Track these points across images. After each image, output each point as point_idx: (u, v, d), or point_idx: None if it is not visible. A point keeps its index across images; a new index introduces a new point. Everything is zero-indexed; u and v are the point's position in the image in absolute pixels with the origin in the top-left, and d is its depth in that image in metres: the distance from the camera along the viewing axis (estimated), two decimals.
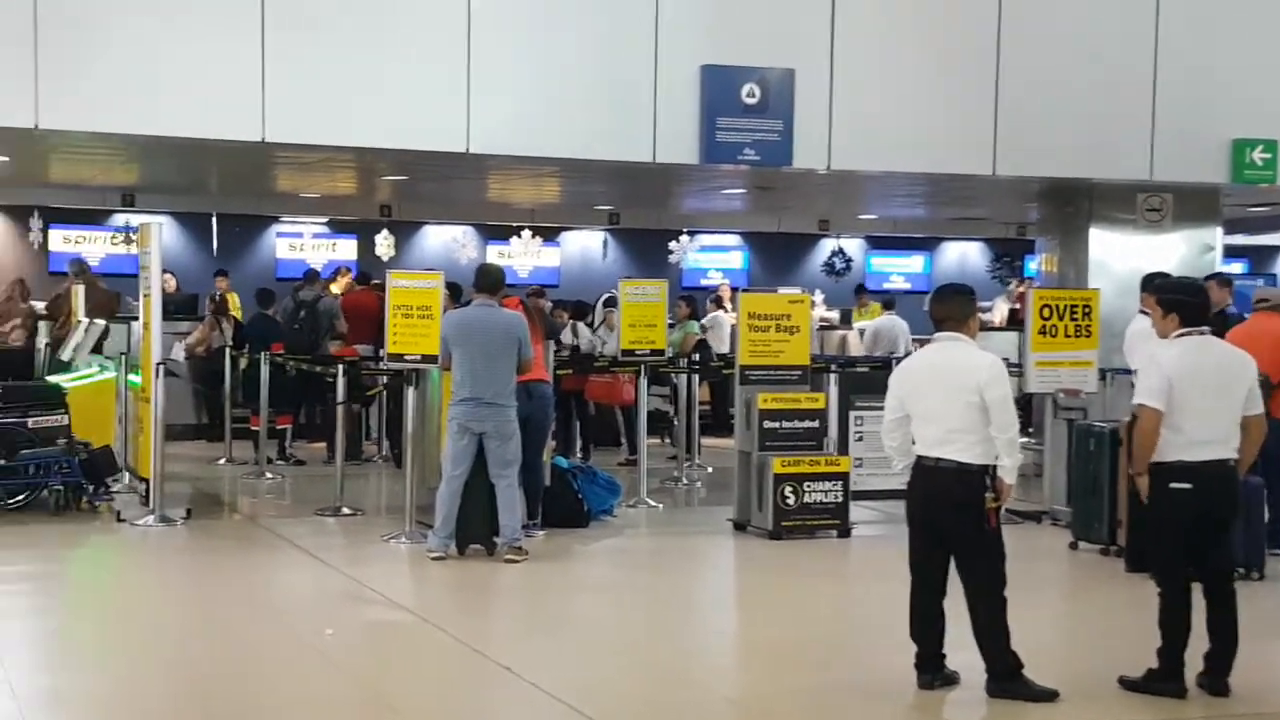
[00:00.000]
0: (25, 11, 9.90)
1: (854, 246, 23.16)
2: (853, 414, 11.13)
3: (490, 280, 9.53)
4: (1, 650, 6.84)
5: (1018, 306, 16.63)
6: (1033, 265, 17.67)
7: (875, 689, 6.50)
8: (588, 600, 8.75)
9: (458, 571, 9.03)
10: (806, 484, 10.05)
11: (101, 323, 12.89)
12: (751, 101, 11.16)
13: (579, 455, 13.31)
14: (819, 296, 18.53)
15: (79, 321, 13.28)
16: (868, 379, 11.77)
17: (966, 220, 20.17)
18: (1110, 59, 12.12)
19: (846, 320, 18.31)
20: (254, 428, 13.28)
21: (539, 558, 9.26)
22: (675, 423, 13.76)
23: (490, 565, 9.11)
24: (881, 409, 6.57)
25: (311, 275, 15.61)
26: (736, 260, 22.91)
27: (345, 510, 10.88)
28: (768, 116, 11.21)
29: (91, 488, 10.77)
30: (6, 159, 14.23)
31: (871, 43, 11.69)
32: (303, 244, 21.42)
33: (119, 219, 20.10)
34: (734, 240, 22.93)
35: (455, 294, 12.18)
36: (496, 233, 21.99)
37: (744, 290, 12.26)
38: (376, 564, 9.22)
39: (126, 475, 11.42)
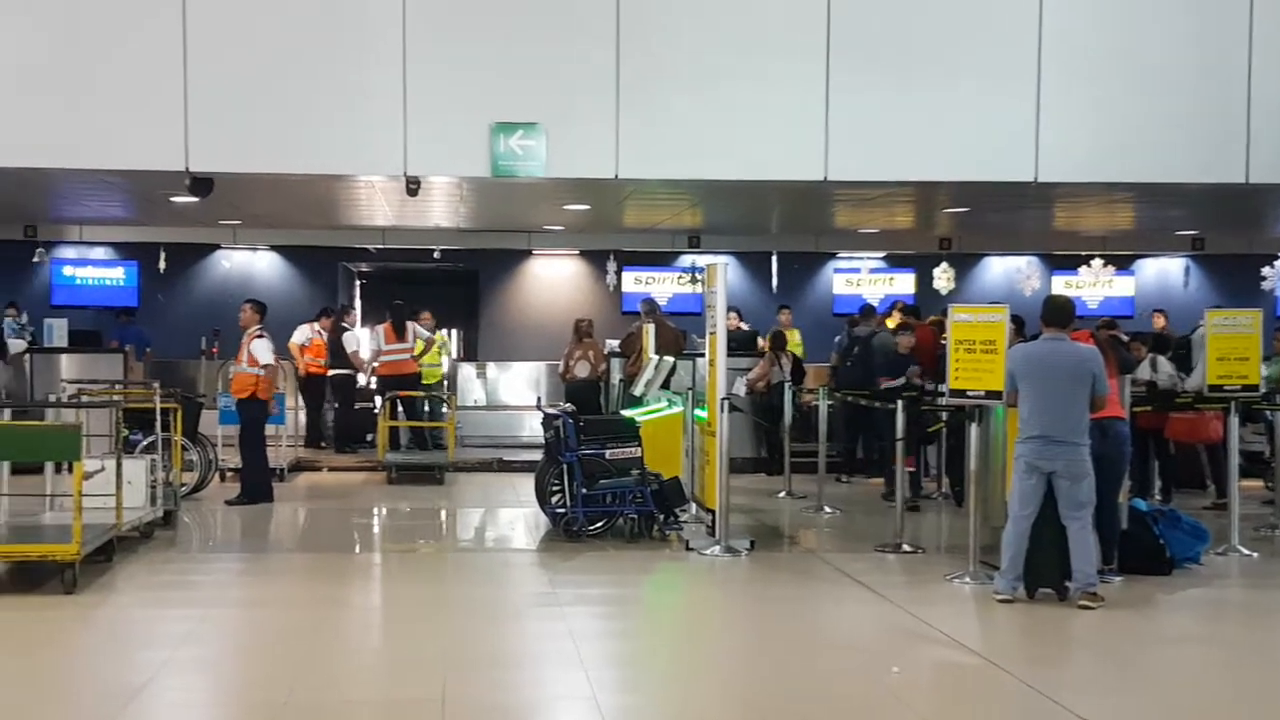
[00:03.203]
0: (608, 75, 10.58)
1: None
2: None
3: (1059, 313, 9.12)
4: (587, 668, 7.23)
5: None
6: None
7: None
8: (1169, 654, 8.14)
9: (1026, 615, 8.66)
10: None
11: (670, 359, 13.44)
12: None
13: (1157, 497, 12.54)
14: None
15: (649, 358, 13.93)
16: None
17: None
18: None
19: None
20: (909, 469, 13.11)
21: (1115, 605, 8.74)
22: (1272, 464, 12.68)
23: (1061, 610, 8.68)
24: None
25: (867, 310, 15.64)
26: None
27: (906, 547, 10.78)
28: None
29: (662, 517, 11.26)
30: (588, 207, 15.25)
31: None
32: (859, 279, 21.59)
33: (685, 260, 21.07)
34: None
35: (1019, 327, 11.80)
36: (1063, 262, 21.31)
37: None
38: (940, 603, 9.00)
39: (693, 506, 11.83)
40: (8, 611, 8.51)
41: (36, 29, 10.39)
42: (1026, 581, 8.85)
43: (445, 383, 17.65)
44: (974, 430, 9.71)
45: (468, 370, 19.12)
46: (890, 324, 15.83)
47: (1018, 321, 11.91)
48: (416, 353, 16.44)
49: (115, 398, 12.71)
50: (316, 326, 17.00)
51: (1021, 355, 9.12)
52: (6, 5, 10.38)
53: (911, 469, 13.25)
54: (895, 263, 21.68)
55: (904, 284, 21.53)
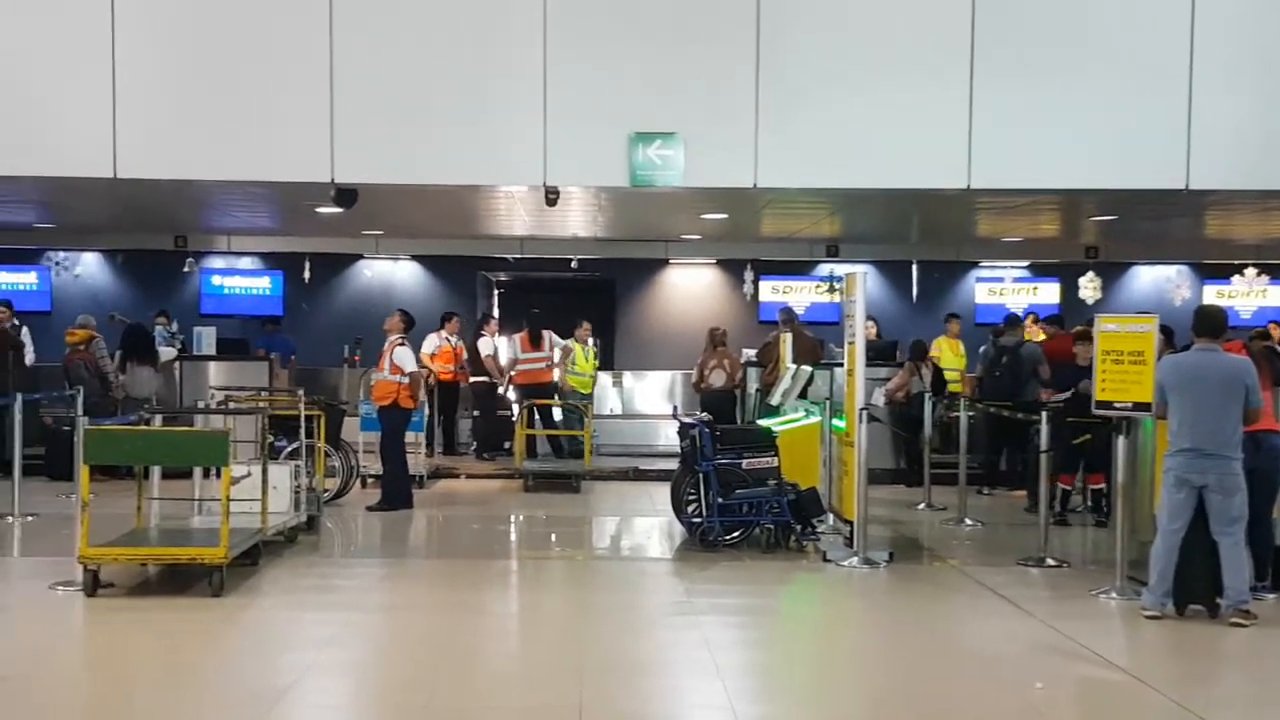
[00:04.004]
0: (748, 84, 10.56)
1: None
2: None
3: (1211, 323, 8.85)
4: (724, 677, 7.19)
5: None
6: None
7: None
8: None
9: (1175, 632, 8.42)
10: None
11: (808, 369, 13.34)
12: None
13: None
14: None
15: (787, 368, 13.85)
16: None
17: None
18: None
19: None
20: (1064, 486, 12.92)
21: (1268, 623, 8.47)
22: None
23: (1212, 628, 8.43)
24: None
25: (1012, 320, 15.38)
26: None
27: (1049, 561, 10.56)
28: None
29: (799, 527, 11.18)
30: (725, 216, 15.23)
31: None
32: (1002, 288, 21.25)
33: (823, 269, 20.93)
34: None
35: (1168, 338, 11.50)
36: (1215, 271, 20.75)
37: None
38: (1085, 619, 8.78)
39: (830, 517, 11.72)
40: (158, 613, 8.74)
41: (190, 47, 10.70)
42: (1176, 597, 8.61)
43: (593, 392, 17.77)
44: (1121, 443, 9.47)
45: (604, 379, 19.18)
46: (1037, 334, 15.58)
47: (1167, 332, 11.57)
48: (571, 362, 16.63)
49: (261, 404, 13.01)
50: (443, 333, 17.20)
51: (1171, 366, 8.88)
52: (162, 25, 10.70)
53: (1068, 485, 12.97)
54: (1039, 272, 21.29)
55: (1048, 293, 21.14)
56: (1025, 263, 21.18)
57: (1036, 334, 16.30)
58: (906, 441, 15.43)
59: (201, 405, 13.12)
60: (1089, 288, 20.24)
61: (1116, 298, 20.74)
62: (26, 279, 21.13)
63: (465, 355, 17.31)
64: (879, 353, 16.26)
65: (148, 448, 9.56)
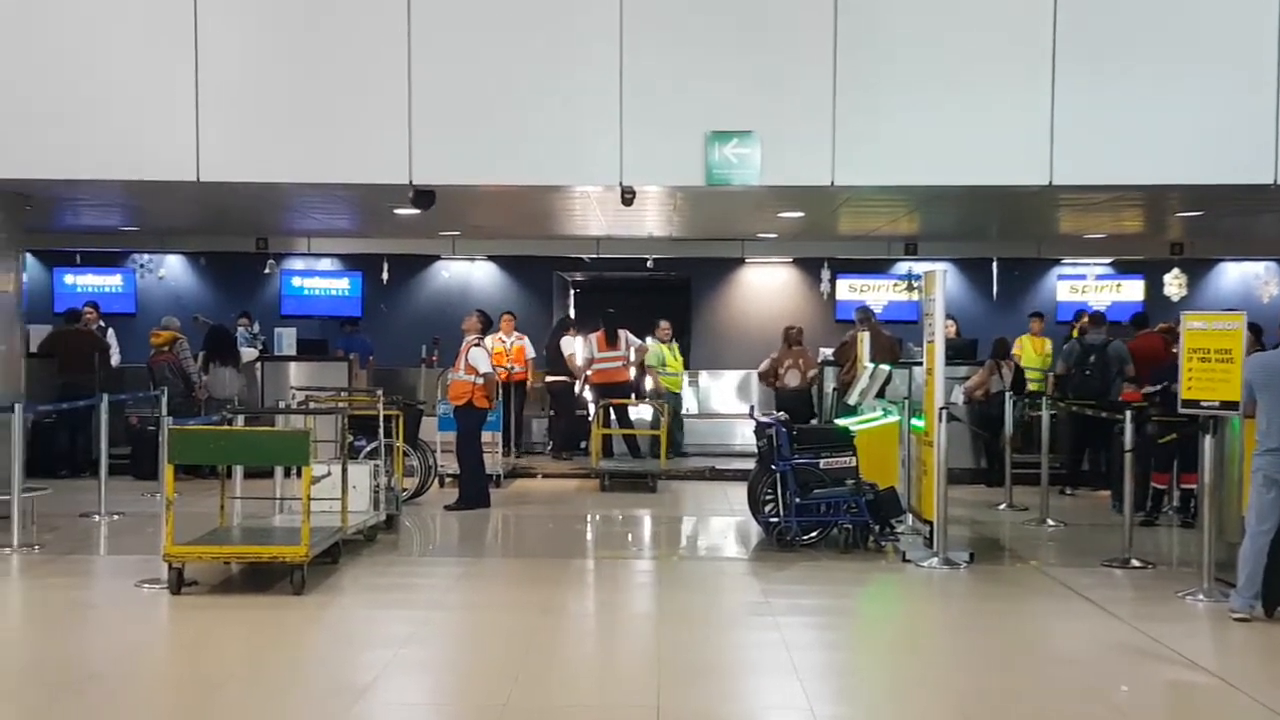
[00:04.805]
0: (825, 81, 10.50)
1: None
2: None
3: None
4: (802, 678, 7.15)
5: None
6: None
7: None
8: None
9: (1264, 635, 8.25)
10: None
11: (886, 368, 13.24)
12: None
13: None
14: None
15: (864, 367, 13.75)
16: None
17: None
18: None
19: None
20: (1157, 486, 12.71)
21: None
22: None
23: None
24: None
25: (1097, 317, 15.18)
26: None
27: (1134, 562, 10.39)
28: None
29: (877, 528, 11.09)
30: (802, 214, 15.14)
31: None
32: (1085, 285, 20.97)
33: (901, 267, 20.77)
34: None
35: (1256, 335, 11.27)
36: None
37: None
38: (1171, 621, 8.64)
39: (909, 517, 11.62)
40: (241, 611, 8.84)
41: (271, 53, 10.82)
42: (1265, 599, 8.44)
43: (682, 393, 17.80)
44: (1208, 442, 9.30)
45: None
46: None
47: (1255, 329, 11.36)
48: (653, 361, 16.66)
49: (341, 405, 13.12)
50: (499, 335, 17.26)
51: (1260, 364, 8.71)
52: (243, 30, 10.83)
53: (1162, 485, 12.75)
54: (1123, 268, 20.98)
55: (1132, 290, 20.83)
56: (1108, 260, 20.88)
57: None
58: (986, 441, 15.27)
59: (282, 405, 13.26)
60: (1174, 285, 19.93)
61: (1203, 295, 20.41)
62: (112, 281, 21.49)
63: (528, 354, 17.34)
64: (958, 351, 16.10)
65: (230, 448, 9.67)
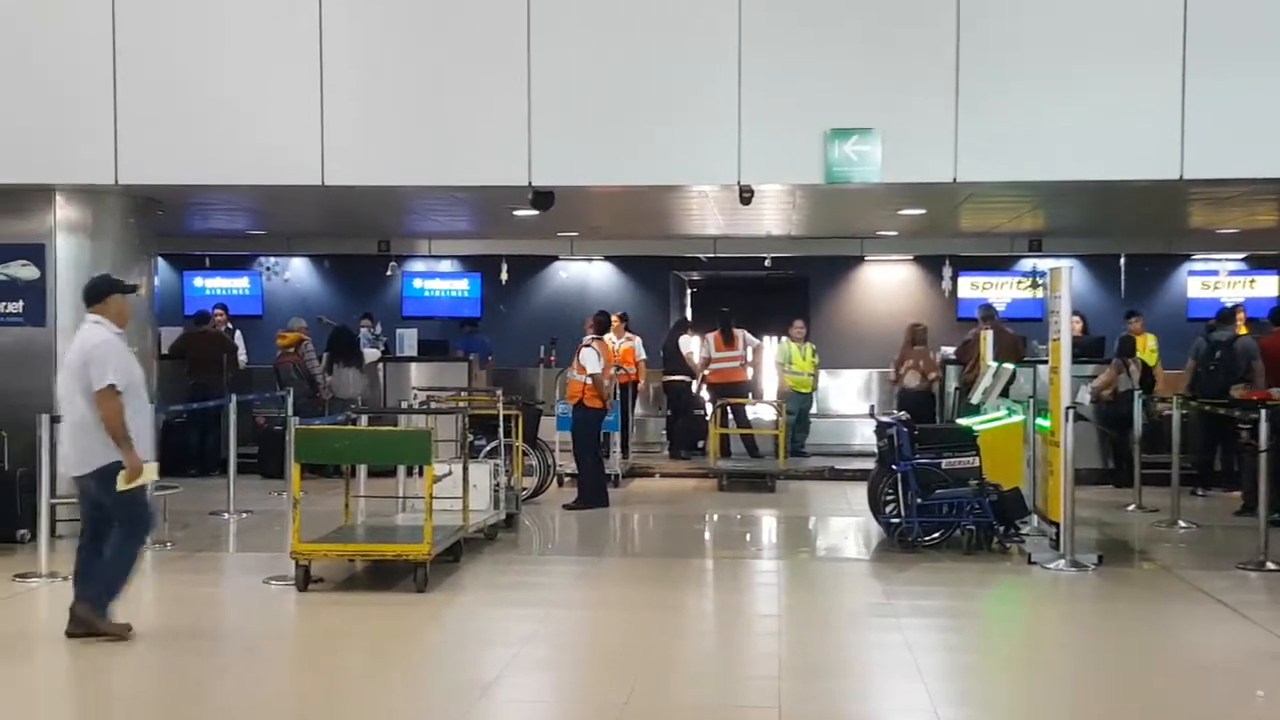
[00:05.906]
0: (947, 77, 10.35)
1: None
2: None
3: None
4: (926, 680, 7.05)
5: None
6: None
7: None
8: None
9: None
10: None
11: (1009, 366, 13.02)
12: None
13: None
14: None
15: (987, 366, 13.54)
16: None
17: None
18: None
19: None
20: None
21: None
22: None
23: None
24: None
25: (1225, 314, 14.79)
26: None
27: (1270, 565, 10.09)
28: None
29: (1001, 529, 10.91)
30: (923, 212, 14.96)
31: None
32: (1217, 282, 20.46)
33: (1025, 264, 20.44)
34: None
35: None
36: None
37: None
38: None
39: (1035, 518, 11.41)
40: (365, 608, 8.96)
41: (393, 57, 10.94)
42: None
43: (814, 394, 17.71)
44: None
45: None
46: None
47: None
48: (780, 359, 16.62)
49: (461, 405, 13.25)
50: (609, 335, 17.26)
51: None
52: (366, 34, 10.97)
53: None
54: (1257, 264, 20.41)
55: (1266, 286, 20.26)
56: (1241, 255, 20.34)
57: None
58: (1114, 441, 14.96)
59: (404, 405, 13.43)
60: None
61: None
62: (239, 284, 21.93)
63: (637, 355, 17.33)
64: (1085, 349, 15.77)
65: (354, 447, 9.81)
